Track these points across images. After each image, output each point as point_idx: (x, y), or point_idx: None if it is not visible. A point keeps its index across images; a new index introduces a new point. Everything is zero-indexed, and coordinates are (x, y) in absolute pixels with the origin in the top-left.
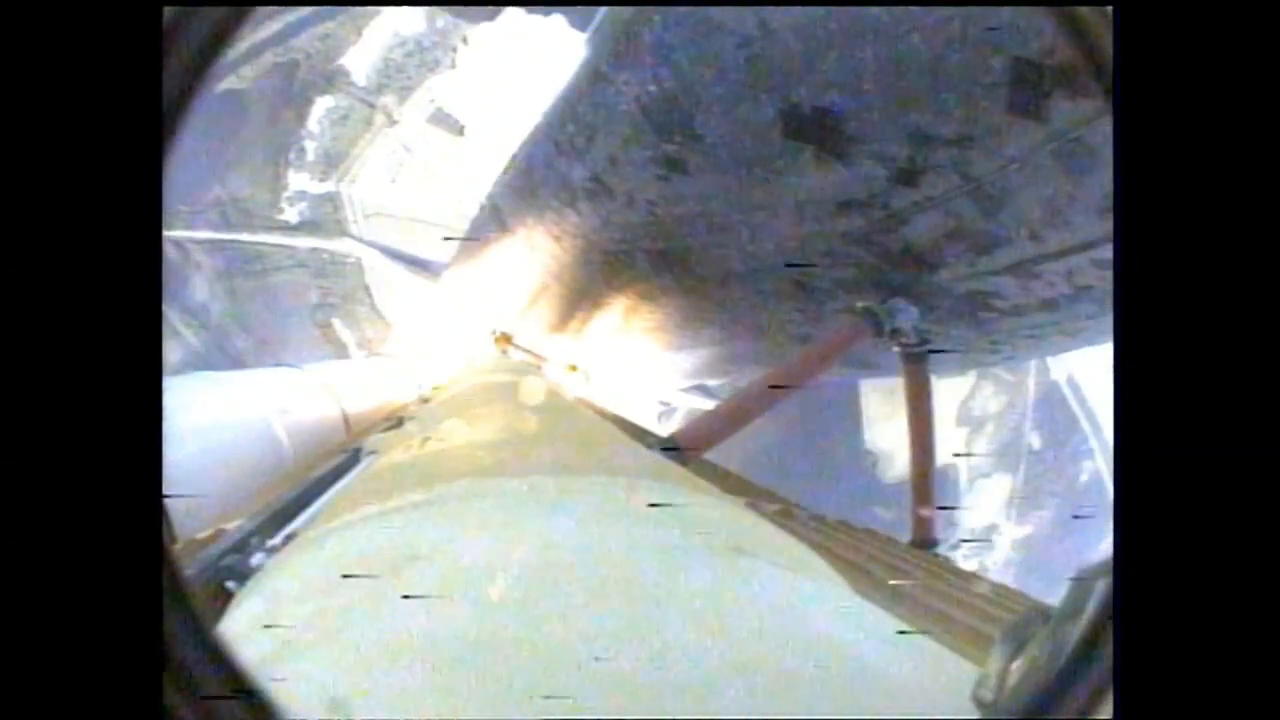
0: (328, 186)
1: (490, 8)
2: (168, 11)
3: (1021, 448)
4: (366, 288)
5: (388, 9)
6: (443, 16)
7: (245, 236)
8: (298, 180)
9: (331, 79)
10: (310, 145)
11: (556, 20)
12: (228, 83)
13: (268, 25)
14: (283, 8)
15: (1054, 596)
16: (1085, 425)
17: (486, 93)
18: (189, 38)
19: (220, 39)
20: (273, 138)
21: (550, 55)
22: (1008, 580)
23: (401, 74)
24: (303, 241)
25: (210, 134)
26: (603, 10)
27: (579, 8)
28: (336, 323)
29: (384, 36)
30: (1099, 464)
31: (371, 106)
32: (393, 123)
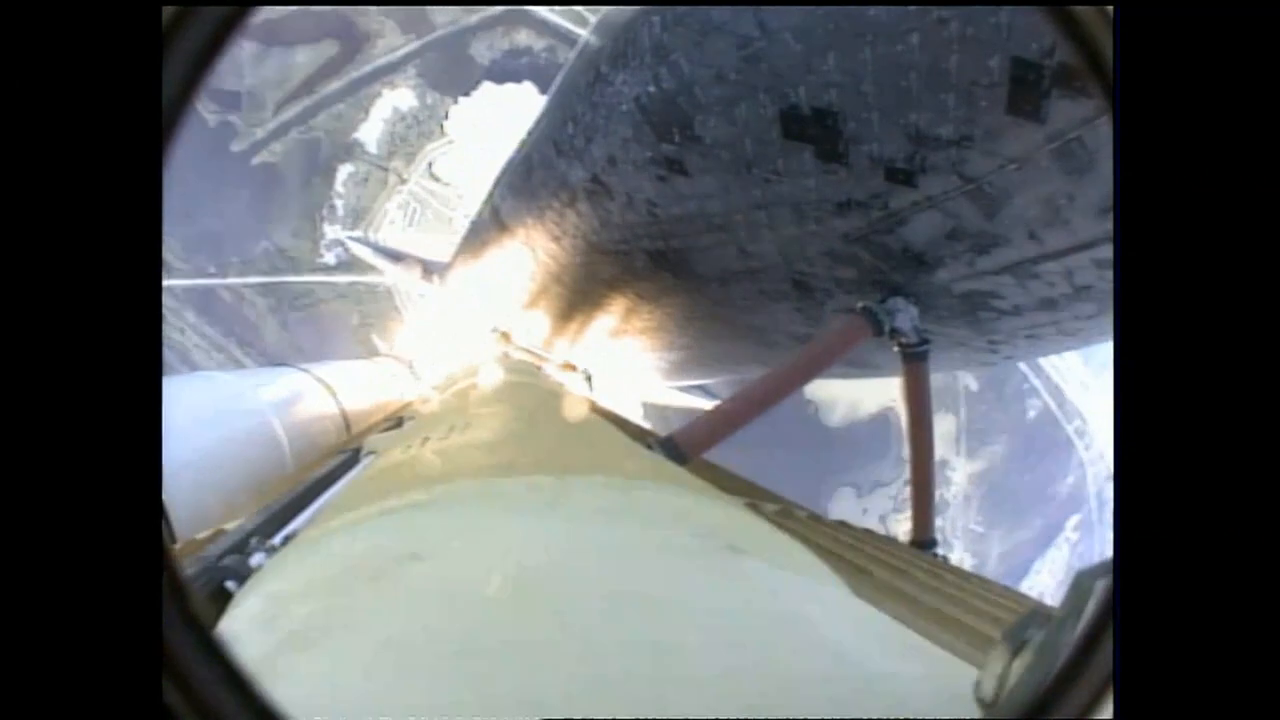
0: (357, 234)
1: (469, 84)
2: (167, 11)
3: (958, 389)
4: (397, 308)
5: (386, 90)
6: (431, 94)
7: (292, 278)
8: (332, 231)
9: (350, 150)
10: (339, 203)
11: (526, 87)
12: (263, 157)
13: (288, 109)
14: (300, 95)
15: (1022, 526)
16: (1022, 366)
17: (472, 151)
18: (189, 38)
19: (220, 39)
20: (307, 199)
21: (521, 117)
22: (973, 513)
23: (405, 143)
24: (341, 278)
25: (254, 199)
26: (561, 75)
27: (544, 78)
28: (374, 338)
29: (386, 113)
30: (1046, 400)
31: (385, 170)
32: (403, 181)
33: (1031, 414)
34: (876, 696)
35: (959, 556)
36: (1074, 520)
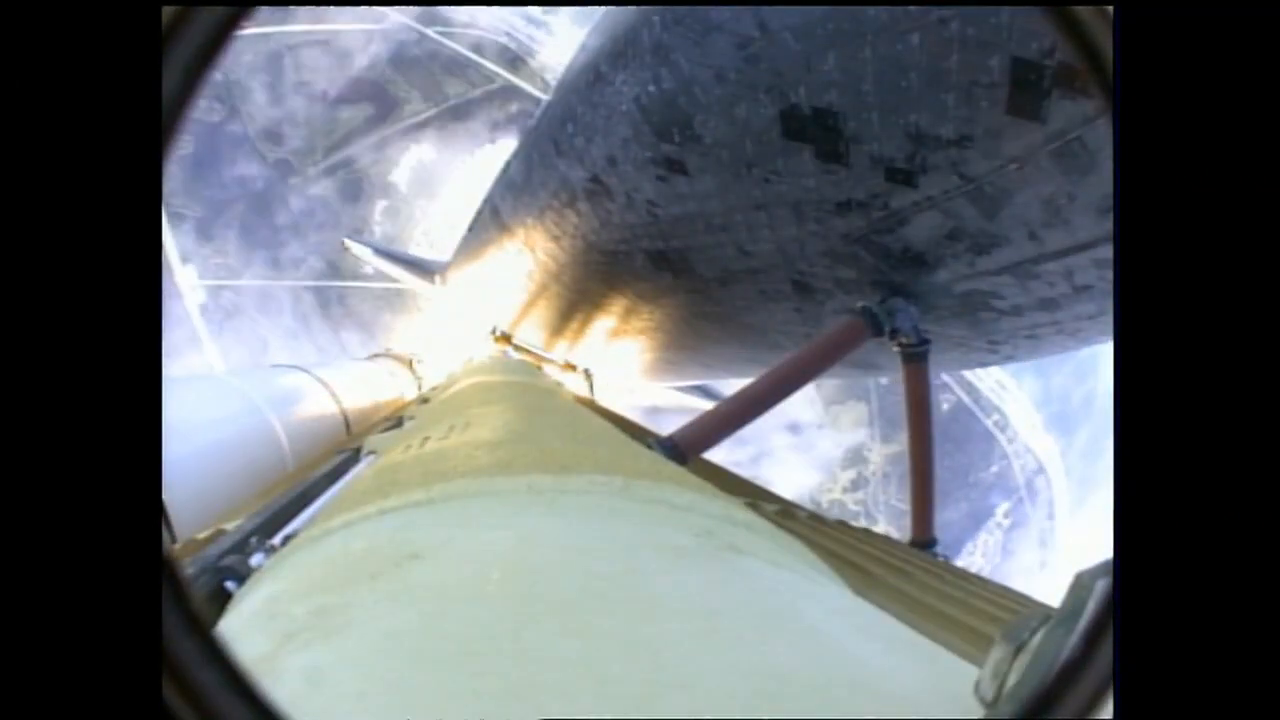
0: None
1: (475, 144)
2: (167, 11)
3: (867, 383)
4: (421, 310)
5: (413, 145)
6: (448, 150)
7: (337, 283)
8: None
9: (385, 190)
10: (376, 229)
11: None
12: (314, 190)
13: (335, 154)
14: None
15: (946, 508)
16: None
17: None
18: (189, 38)
19: (220, 39)
20: (351, 224)
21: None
22: (893, 490)
23: (427, 186)
24: (375, 284)
25: (307, 222)
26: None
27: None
28: (399, 332)
29: (412, 162)
30: (959, 395)
31: (411, 205)
32: (426, 215)
33: (945, 407)
34: (876, 696)
35: (884, 529)
36: (1004, 507)
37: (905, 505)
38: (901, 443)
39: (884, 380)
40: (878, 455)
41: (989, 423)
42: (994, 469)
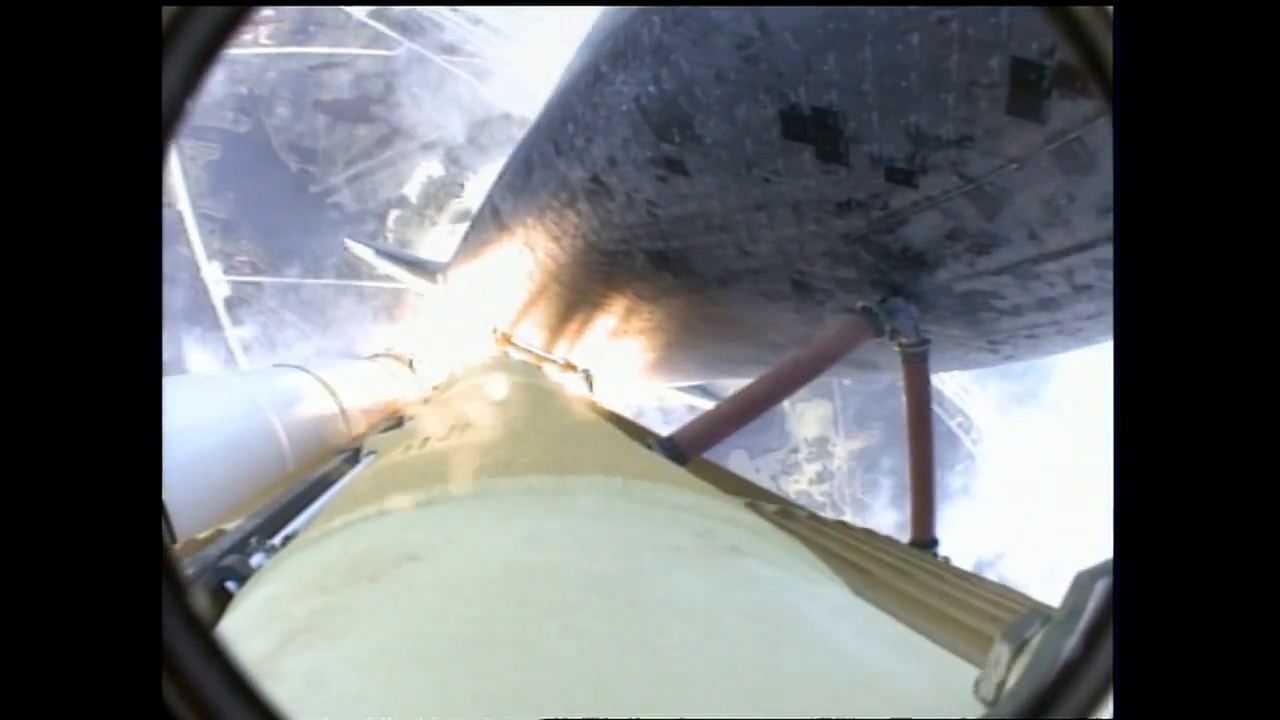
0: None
1: (479, 164)
2: (167, 11)
3: (832, 384)
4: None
5: (424, 162)
6: (453, 166)
7: (355, 283)
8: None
9: (398, 201)
10: (390, 235)
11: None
12: (334, 198)
13: (354, 166)
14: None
15: (905, 484)
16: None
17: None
18: (189, 38)
19: (220, 39)
20: (368, 230)
21: None
22: (858, 485)
23: (435, 199)
24: (389, 284)
25: (327, 227)
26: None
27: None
28: (410, 326)
29: (422, 177)
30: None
31: (422, 216)
32: (434, 224)
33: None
34: (876, 695)
35: (848, 518)
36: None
37: (869, 498)
38: (865, 439)
39: (846, 380)
40: (842, 450)
41: (953, 424)
42: (959, 468)
